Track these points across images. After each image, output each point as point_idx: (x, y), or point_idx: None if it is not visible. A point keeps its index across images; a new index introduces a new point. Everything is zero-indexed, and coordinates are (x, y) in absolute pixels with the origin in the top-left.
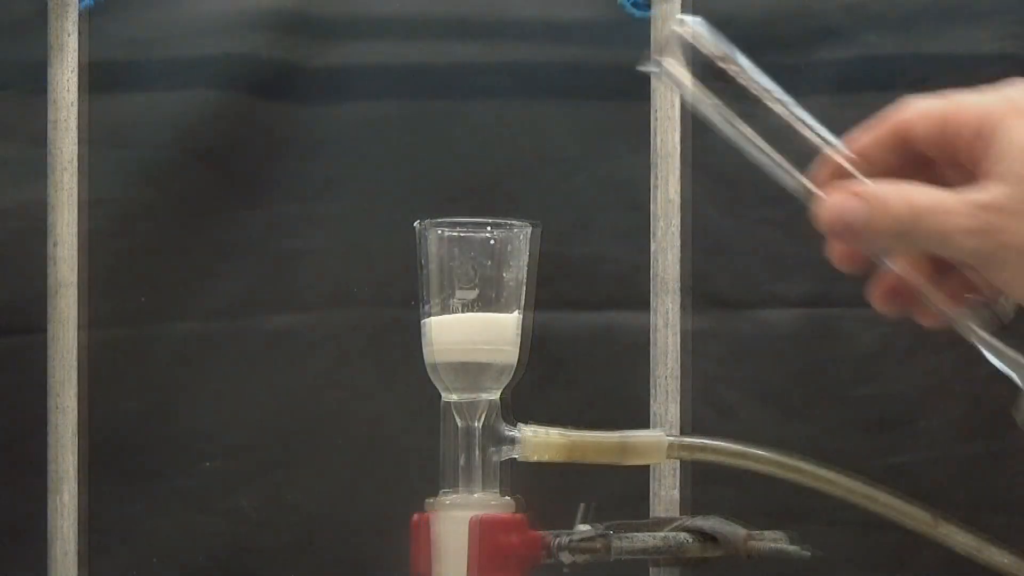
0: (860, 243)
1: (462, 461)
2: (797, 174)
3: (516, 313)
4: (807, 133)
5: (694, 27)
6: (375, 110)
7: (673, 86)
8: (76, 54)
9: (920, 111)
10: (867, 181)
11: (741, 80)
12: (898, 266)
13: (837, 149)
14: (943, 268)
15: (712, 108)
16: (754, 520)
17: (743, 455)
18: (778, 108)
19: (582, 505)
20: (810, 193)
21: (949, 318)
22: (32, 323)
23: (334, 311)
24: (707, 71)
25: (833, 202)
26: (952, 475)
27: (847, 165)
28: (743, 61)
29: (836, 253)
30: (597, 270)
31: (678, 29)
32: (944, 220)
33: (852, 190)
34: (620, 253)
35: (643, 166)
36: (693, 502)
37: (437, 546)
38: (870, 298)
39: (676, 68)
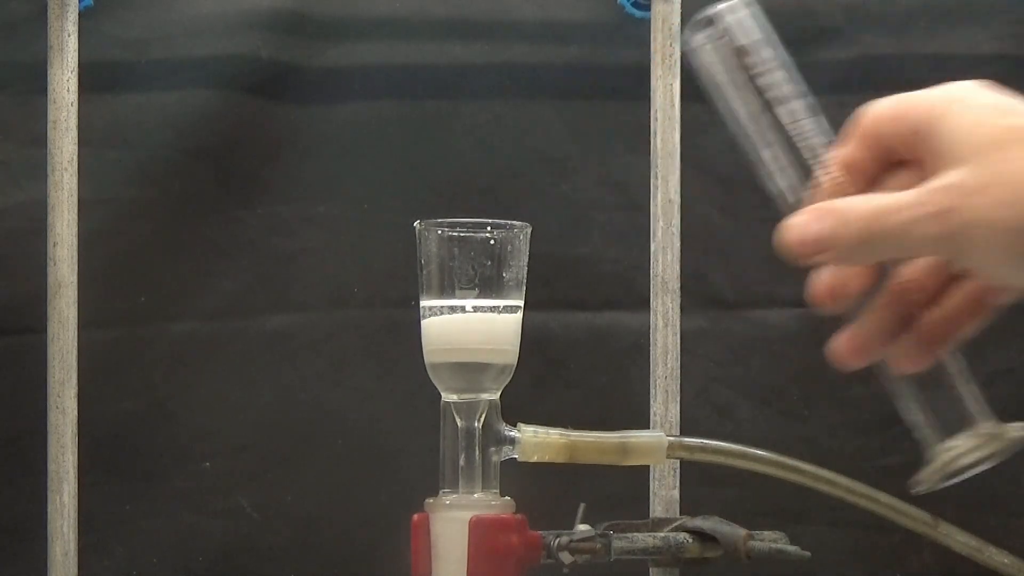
0: (829, 258)
1: (462, 461)
2: (795, 183)
3: (516, 313)
4: (806, 141)
5: (733, 14)
6: (373, 110)
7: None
8: (76, 54)
9: (880, 111)
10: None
11: (758, 78)
12: (870, 312)
13: (825, 164)
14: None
15: (737, 94)
16: (754, 520)
17: (743, 455)
18: (783, 111)
19: (582, 505)
20: (797, 203)
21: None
22: (32, 323)
23: (333, 311)
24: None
25: (796, 222)
26: None
27: (832, 180)
28: (768, 55)
29: (819, 289)
30: (596, 270)
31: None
32: (903, 215)
33: (811, 209)
34: (619, 253)
35: (642, 166)
36: (693, 502)
37: (437, 546)
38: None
39: (711, 49)
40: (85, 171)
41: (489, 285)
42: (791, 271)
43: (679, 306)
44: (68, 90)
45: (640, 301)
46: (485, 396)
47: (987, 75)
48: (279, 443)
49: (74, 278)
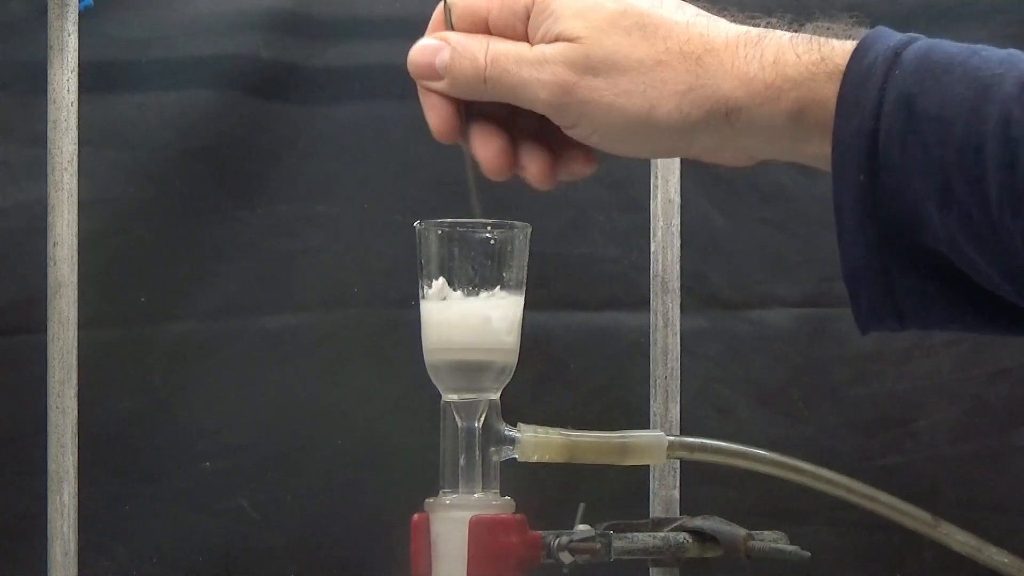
0: (445, 87)
1: (462, 461)
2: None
3: (516, 313)
4: None
5: None
6: (374, 110)
7: None
8: (76, 54)
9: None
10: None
11: None
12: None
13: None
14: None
15: None
16: (754, 520)
17: (743, 455)
18: None
19: (582, 505)
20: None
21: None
22: (32, 323)
23: (332, 311)
24: None
25: (419, 44)
26: (950, 475)
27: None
28: None
29: (434, 115)
30: (596, 270)
31: None
32: (522, 72)
33: (438, 35)
34: (619, 253)
35: (642, 166)
36: (693, 502)
37: (437, 546)
38: (486, 166)
39: None
40: (85, 171)
41: (489, 285)
42: (791, 271)
43: (679, 306)
44: (68, 90)
45: (640, 301)
46: (485, 396)
47: None
48: (279, 443)
49: (74, 278)
